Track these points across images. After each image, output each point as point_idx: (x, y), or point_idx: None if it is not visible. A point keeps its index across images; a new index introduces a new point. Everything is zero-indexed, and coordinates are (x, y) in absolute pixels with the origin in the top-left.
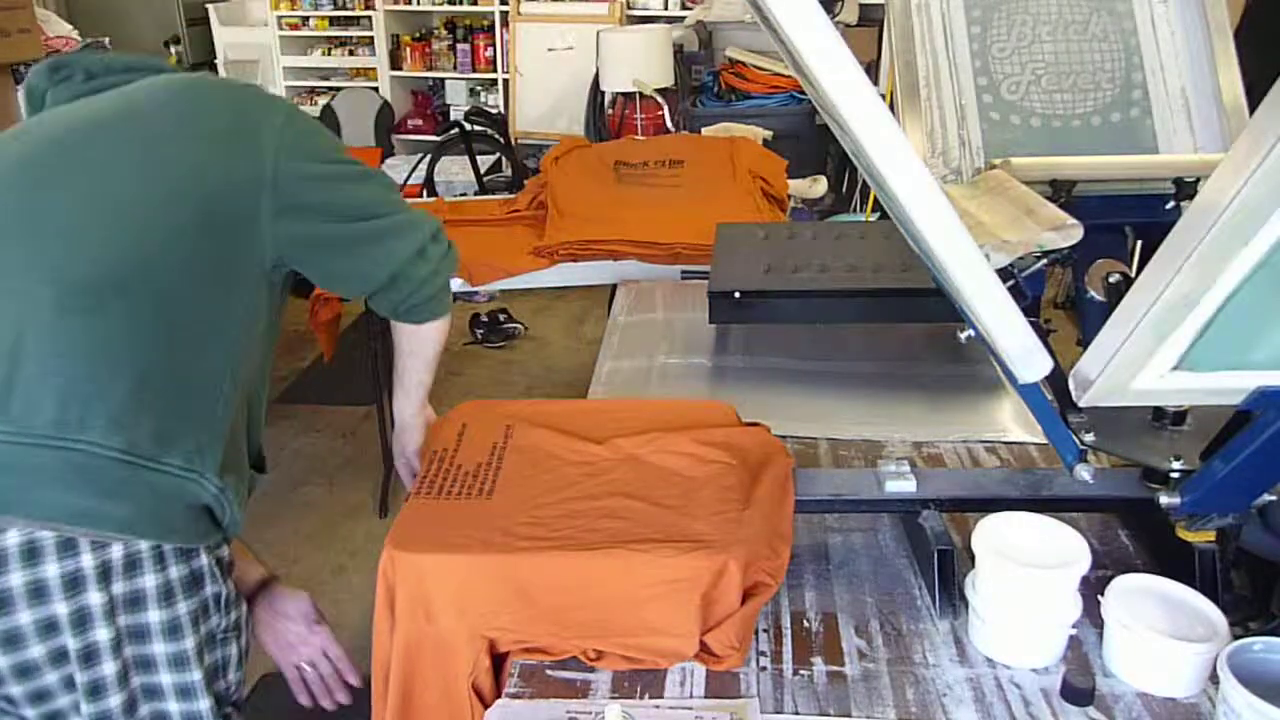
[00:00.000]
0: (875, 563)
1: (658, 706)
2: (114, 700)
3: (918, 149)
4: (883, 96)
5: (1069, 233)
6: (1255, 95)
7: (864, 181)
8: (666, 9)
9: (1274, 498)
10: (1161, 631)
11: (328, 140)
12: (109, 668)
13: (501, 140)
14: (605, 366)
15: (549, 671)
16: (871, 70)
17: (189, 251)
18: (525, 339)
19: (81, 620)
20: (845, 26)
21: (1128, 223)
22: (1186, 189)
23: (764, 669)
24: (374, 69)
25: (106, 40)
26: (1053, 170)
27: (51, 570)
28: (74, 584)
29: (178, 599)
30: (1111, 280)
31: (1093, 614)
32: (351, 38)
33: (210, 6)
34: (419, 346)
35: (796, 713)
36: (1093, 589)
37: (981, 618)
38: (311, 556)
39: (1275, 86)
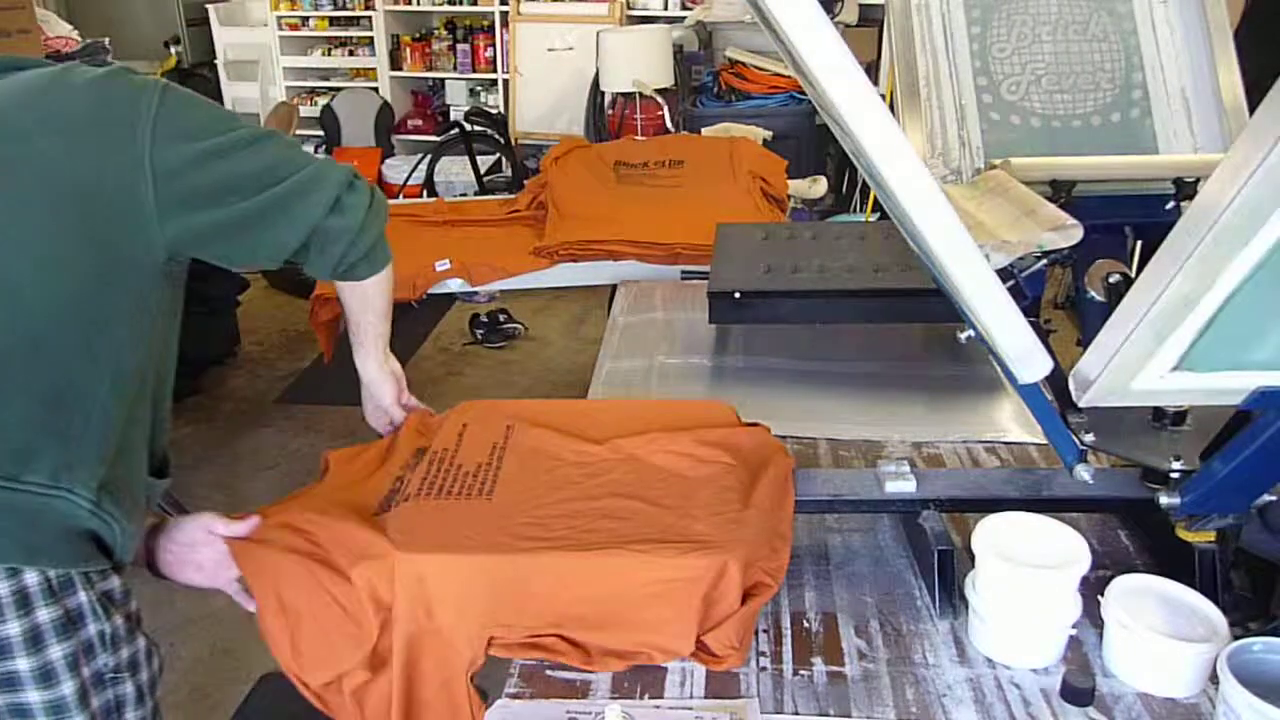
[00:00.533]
0: (875, 563)
1: (658, 706)
2: None
3: (918, 149)
4: (883, 96)
5: (1069, 233)
6: (1255, 95)
7: (864, 181)
8: (666, 9)
9: (1274, 498)
10: (1161, 632)
11: (207, 111)
12: None
13: (501, 140)
14: (605, 366)
15: (549, 671)
16: (871, 70)
17: (54, 254)
18: (525, 339)
19: None
20: (845, 26)
21: (1128, 223)
22: (1186, 189)
23: (764, 669)
24: (374, 69)
25: (106, 40)
26: (1053, 170)
27: None
28: None
29: (48, 643)
30: (1111, 280)
31: (1093, 614)
32: (351, 38)
33: (210, 6)
34: (367, 304)
35: (796, 713)
36: (1093, 589)
37: (981, 618)
38: None
39: (1275, 86)
